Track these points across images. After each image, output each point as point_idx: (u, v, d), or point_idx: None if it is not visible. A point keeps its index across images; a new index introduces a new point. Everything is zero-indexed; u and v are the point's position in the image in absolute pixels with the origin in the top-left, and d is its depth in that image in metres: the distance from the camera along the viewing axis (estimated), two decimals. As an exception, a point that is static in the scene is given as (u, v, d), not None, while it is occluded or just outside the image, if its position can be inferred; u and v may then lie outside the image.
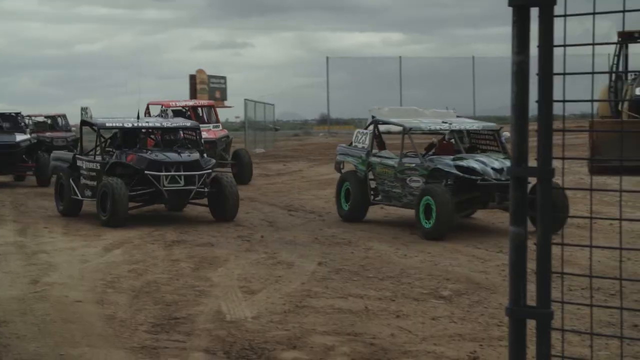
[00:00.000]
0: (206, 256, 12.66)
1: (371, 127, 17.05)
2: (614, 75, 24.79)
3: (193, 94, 47.64)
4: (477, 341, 7.99)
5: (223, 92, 51.84)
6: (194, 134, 17.95)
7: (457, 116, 22.67)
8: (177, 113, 26.00)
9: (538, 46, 3.72)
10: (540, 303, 3.70)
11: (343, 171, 16.94)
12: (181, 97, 40.83)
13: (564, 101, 3.96)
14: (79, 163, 17.37)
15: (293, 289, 10.37)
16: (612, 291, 9.35)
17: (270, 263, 11.99)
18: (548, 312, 3.68)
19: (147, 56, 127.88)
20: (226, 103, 50.50)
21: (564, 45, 3.85)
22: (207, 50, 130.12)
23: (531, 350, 3.42)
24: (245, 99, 43.49)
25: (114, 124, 17.50)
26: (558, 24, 3.81)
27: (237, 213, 16.55)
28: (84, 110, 19.88)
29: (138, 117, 18.74)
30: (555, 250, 3.69)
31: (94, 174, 16.71)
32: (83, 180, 17.12)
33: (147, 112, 26.59)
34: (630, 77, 24.80)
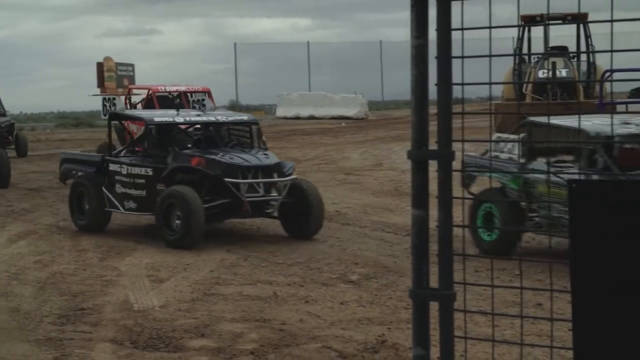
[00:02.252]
0: (114, 245, 12.51)
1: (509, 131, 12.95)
2: (517, 58, 25.15)
3: (101, 82, 47.00)
4: (385, 324, 8.05)
5: (131, 79, 51.12)
6: (248, 130, 14.12)
7: None
8: (163, 99, 22.63)
9: (436, 30, 3.74)
10: (442, 285, 3.73)
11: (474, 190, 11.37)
12: (89, 85, 40.29)
13: (462, 84, 3.98)
14: (113, 167, 13.59)
15: (201, 276, 10.31)
16: (517, 271, 9.48)
17: (179, 251, 11.89)
18: (450, 293, 3.71)
19: (53, 44, 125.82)
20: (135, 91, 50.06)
21: (462, 29, 3.87)
22: (114, 37, 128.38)
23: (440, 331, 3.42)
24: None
25: (164, 119, 13.70)
26: (460, 8, 3.84)
27: (322, 226, 13.08)
28: (108, 101, 18.45)
29: (178, 110, 15.20)
30: (458, 232, 3.72)
31: (142, 181, 13.16)
32: (121, 189, 13.41)
33: (128, 98, 23.70)
34: (533, 59, 25.19)
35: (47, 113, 70.19)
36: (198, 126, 14.89)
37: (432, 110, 3.43)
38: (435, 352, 3.62)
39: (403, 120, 41.70)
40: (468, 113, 3.90)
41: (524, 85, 24.38)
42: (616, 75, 15.25)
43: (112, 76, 48.43)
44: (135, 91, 25.04)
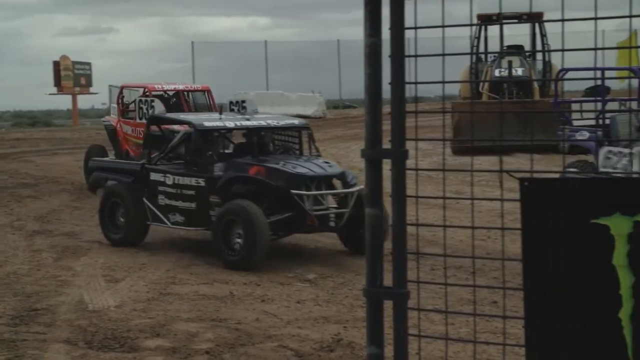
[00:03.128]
0: (69, 245, 12.40)
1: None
2: (474, 57, 25.27)
3: (57, 81, 46.67)
4: (342, 323, 8.05)
5: (88, 78, 50.90)
6: (297, 135, 12.87)
7: None
8: (160, 99, 19.49)
9: (390, 28, 3.74)
10: (397, 283, 3.73)
11: None
12: (46, 84, 39.89)
13: (415, 83, 3.99)
14: (155, 176, 12.26)
15: (158, 276, 10.25)
16: (473, 269, 9.53)
17: (135, 251, 11.82)
18: (404, 292, 3.72)
19: (9, 42, 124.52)
20: (92, 89, 49.66)
21: (415, 28, 3.88)
22: (71, 36, 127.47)
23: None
24: (109, 85, 42.74)
25: (215, 124, 12.29)
26: (417, 7, 3.85)
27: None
28: (145, 103, 16.54)
29: (221, 113, 13.37)
30: (421, 231, 3.73)
31: (191, 192, 11.77)
32: (166, 201, 12.03)
33: (120, 97, 20.27)
34: (490, 58, 25.31)
35: (2, 112, 69.54)
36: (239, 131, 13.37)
37: (388, 109, 3.42)
38: (390, 350, 3.62)
39: (360, 119, 41.67)
40: (421, 112, 3.91)
41: (481, 84, 24.51)
42: (572, 75, 15.35)
43: (69, 75, 48.16)
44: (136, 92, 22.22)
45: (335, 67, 56.89)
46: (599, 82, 15.44)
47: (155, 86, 19.66)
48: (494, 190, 16.54)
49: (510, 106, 21.70)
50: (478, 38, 25.84)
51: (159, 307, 8.77)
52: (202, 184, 11.65)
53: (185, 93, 19.83)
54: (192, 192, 11.76)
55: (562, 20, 3.92)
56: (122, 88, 19.92)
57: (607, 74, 15.75)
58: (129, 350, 7.39)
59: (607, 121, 13.49)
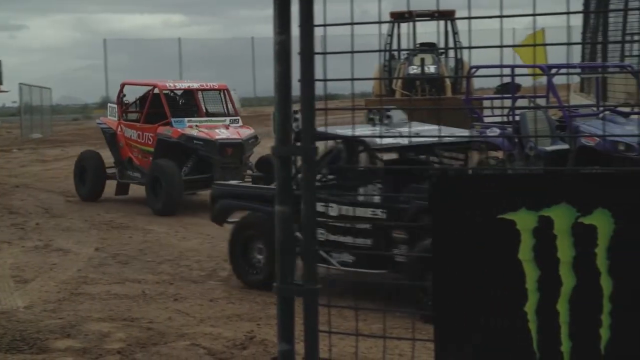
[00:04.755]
0: (-23, 246, 12.17)
1: None
2: (387, 55, 25.42)
3: (-36, 79, 45.72)
4: (255, 320, 8.04)
5: (-2, 75, 49.98)
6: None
7: None
8: (171, 99, 17.01)
9: (299, 26, 3.74)
10: (307, 280, 3.74)
11: None
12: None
13: (325, 80, 4.00)
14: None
15: (68, 276, 10.12)
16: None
17: (45, 251, 11.65)
18: (314, 288, 3.72)
19: None
20: (2, 87, 48.76)
21: (324, 25, 3.89)
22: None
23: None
24: (20, 83, 42.04)
25: (390, 142, 9.78)
26: (329, 5, 3.87)
27: None
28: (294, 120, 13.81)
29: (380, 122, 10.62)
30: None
31: (366, 226, 9.03)
32: (328, 236, 8.93)
33: (121, 96, 17.28)
34: (402, 56, 25.49)
35: None
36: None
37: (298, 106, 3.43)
38: (303, 347, 3.63)
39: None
40: (331, 109, 3.92)
41: (394, 82, 24.67)
42: (483, 72, 15.54)
43: (-23, 72, 47.19)
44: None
45: (250, 64, 56.86)
46: (510, 80, 15.64)
47: (167, 84, 16.85)
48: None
49: (422, 103, 21.92)
50: (391, 36, 26.01)
51: (70, 308, 8.65)
52: (382, 215, 9.14)
53: (199, 92, 17.08)
54: (367, 226, 9.18)
55: (469, 18, 3.98)
56: (122, 85, 17.14)
57: (517, 71, 15.97)
58: (38, 351, 7.27)
59: (517, 118, 13.71)
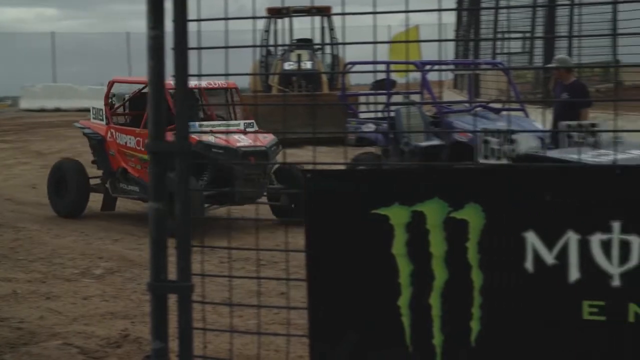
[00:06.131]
0: None
1: None
2: (264, 50, 25.49)
3: None
4: (129, 318, 7.94)
5: None
6: None
7: None
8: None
9: (173, 21, 3.72)
10: (181, 277, 3.71)
11: None
12: None
13: (198, 75, 3.98)
14: None
15: None
16: (264, 261, 9.59)
17: None
18: (188, 285, 3.70)
19: None
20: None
21: (198, 20, 3.87)
22: None
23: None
24: None
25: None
26: (203, 0, 3.85)
27: None
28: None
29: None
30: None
31: None
32: None
33: (111, 96, 14.72)
34: (279, 51, 25.57)
35: None
36: None
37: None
38: (178, 344, 3.61)
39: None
40: (205, 105, 3.90)
41: (271, 77, 24.71)
42: (358, 68, 15.69)
43: None
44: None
45: (126, 59, 56.16)
46: (385, 76, 15.83)
47: (172, 83, 13.50)
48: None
49: (298, 99, 22.01)
50: (267, 31, 26.05)
51: (-64, 308, 8.39)
52: None
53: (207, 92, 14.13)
54: None
55: (344, 14, 4.02)
56: (111, 84, 14.53)
57: (392, 67, 16.16)
58: None
59: (393, 114, 13.87)
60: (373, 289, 3.50)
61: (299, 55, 24.38)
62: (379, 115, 15.27)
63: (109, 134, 13.89)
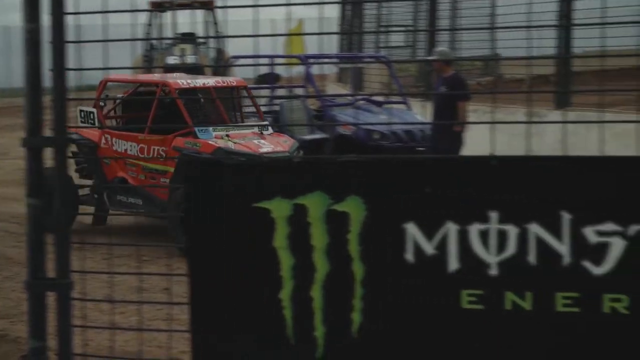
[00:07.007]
0: None
1: None
2: (148, 44, 25.26)
3: None
4: (8, 318, 7.80)
5: None
6: None
7: None
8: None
9: (50, 14, 3.66)
10: (59, 274, 3.66)
11: None
12: None
13: (76, 69, 3.92)
14: None
15: None
16: (146, 257, 9.49)
17: None
18: (67, 282, 3.66)
19: None
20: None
21: (76, 13, 3.82)
22: None
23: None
24: None
25: None
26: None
27: None
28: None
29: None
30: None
31: None
32: None
33: (103, 98, 12.25)
34: (163, 45, 25.37)
35: None
36: None
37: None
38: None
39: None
40: (83, 99, 3.84)
41: (153, 71, 24.48)
42: (243, 62, 15.66)
43: None
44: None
45: (5, 53, 55.01)
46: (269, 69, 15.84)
47: (178, 81, 12.18)
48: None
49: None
50: (150, 25, 25.80)
51: None
52: None
53: (217, 91, 12.80)
54: None
55: (227, 7, 4.02)
56: (104, 83, 12.33)
57: (277, 61, 16.18)
58: None
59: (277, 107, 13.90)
60: (255, 282, 3.50)
61: (182, 49, 24.24)
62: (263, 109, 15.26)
63: (102, 140, 11.95)
